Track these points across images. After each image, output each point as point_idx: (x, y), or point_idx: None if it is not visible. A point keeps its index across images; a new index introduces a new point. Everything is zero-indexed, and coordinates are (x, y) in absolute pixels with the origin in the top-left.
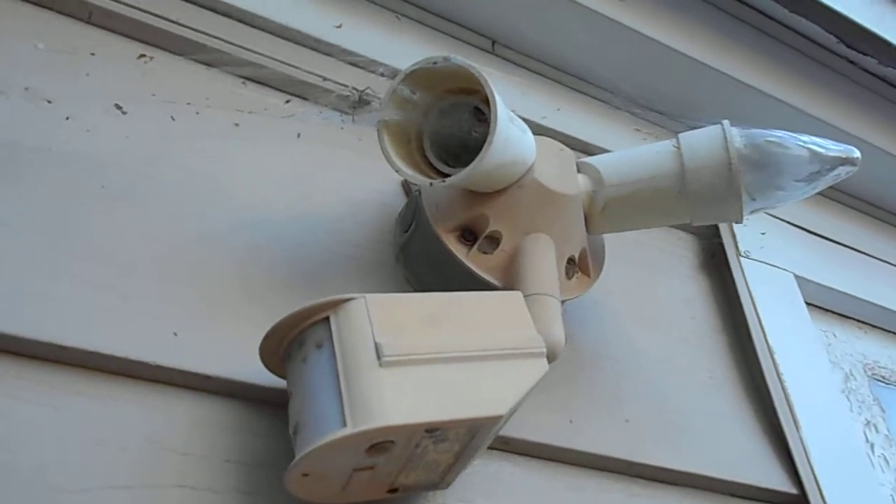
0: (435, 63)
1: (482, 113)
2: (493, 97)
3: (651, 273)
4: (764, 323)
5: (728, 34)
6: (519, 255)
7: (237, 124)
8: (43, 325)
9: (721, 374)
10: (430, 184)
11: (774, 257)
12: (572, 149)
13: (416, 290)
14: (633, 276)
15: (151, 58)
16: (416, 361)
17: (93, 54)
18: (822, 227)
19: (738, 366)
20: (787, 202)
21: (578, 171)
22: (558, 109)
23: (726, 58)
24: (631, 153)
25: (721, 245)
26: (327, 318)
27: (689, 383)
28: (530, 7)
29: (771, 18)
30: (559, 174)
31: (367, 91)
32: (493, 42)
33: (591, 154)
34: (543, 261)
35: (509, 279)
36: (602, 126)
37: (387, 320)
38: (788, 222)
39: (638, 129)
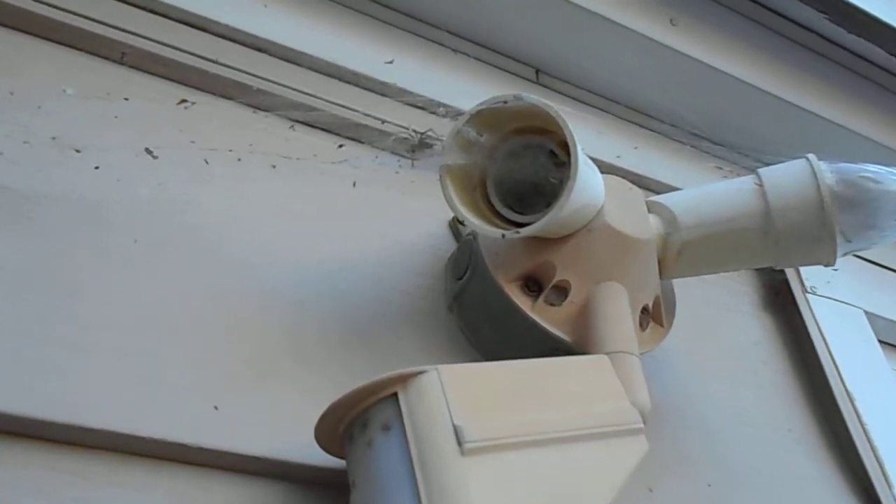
0: (505, 102)
1: (554, 154)
2: (573, 139)
3: (713, 313)
4: (839, 365)
5: (797, 63)
6: (591, 307)
7: (277, 168)
8: (68, 405)
9: (800, 425)
10: (503, 235)
11: (843, 293)
12: (641, 188)
13: (471, 342)
14: (695, 317)
15: (193, 103)
16: (502, 447)
17: (126, 99)
18: (891, 260)
19: (817, 416)
20: (883, 243)
21: (649, 211)
22: (636, 148)
23: (798, 89)
24: (706, 191)
25: (785, 282)
26: (395, 395)
27: (769, 438)
28: (576, 33)
29: (840, 46)
30: (631, 216)
31: (429, 133)
32: (537, 71)
33: (659, 192)
34: (619, 313)
35: (581, 334)
36: (673, 162)
37: (464, 397)
38: (856, 255)
39: (719, 167)
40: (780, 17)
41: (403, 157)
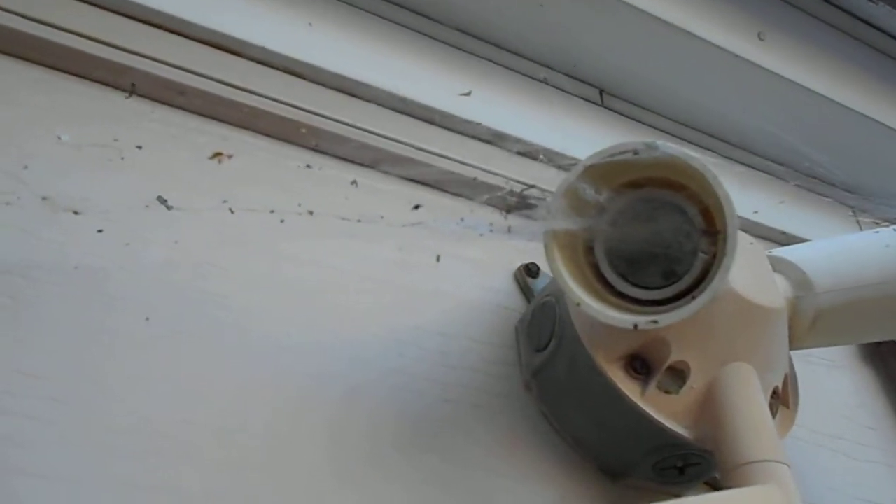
0: (636, 152)
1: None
2: (729, 203)
3: (809, 369)
4: None
5: None
6: (718, 397)
7: (330, 230)
8: None
9: None
10: (635, 326)
11: None
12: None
13: (556, 429)
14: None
15: (230, 156)
16: None
17: (139, 147)
18: None
19: None
20: None
21: (773, 270)
22: (781, 202)
23: None
24: (842, 245)
25: None
26: None
27: None
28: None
29: None
30: (758, 280)
31: (534, 189)
32: (601, 92)
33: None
34: (755, 406)
35: (706, 430)
36: (790, 206)
37: None
38: None
39: (850, 214)
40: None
41: (497, 218)
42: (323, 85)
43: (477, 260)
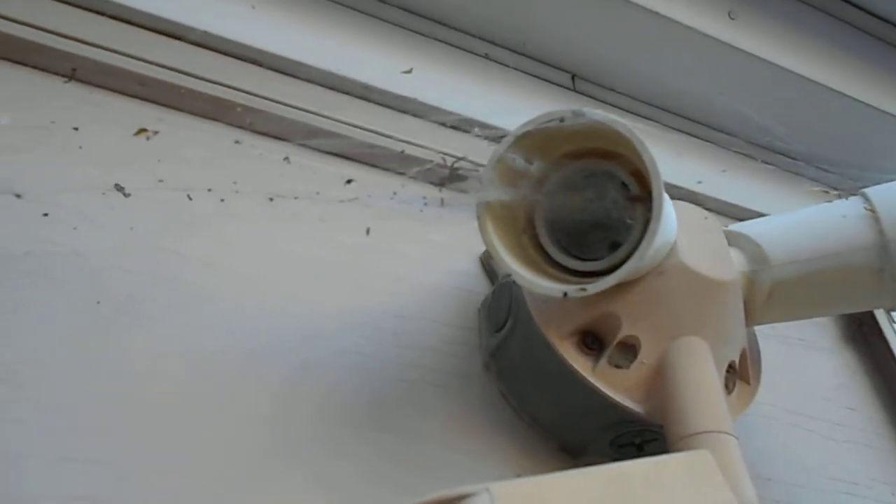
0: (562, 120)
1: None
2: (655, 167)
3: (791, 351)
4: None
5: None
6: (668, 370)
7: (269, 207)
8: None
9: None
10: (565, 294)
11: None
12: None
13: (514, 408)
14: (771, 357)
15: (156, 132)
16: None
17: (76, 129)
18: None
19: None
20: None
21: (729, 244)
22: (724, 171)
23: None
24: (800, 218)
25: (870, 312)
26: None
27: None
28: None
29: None
30: (710, 252)
31: (464, 161)
32: (573, 76)
33: (737, 220)
34: (705, 378)
35: (656, 403)
36: (751, 181)
37: None
38: None
39: (815, 189)
40: (860, 10)
41: (430, 191)
42: (261, 66)
43: (440, 243)
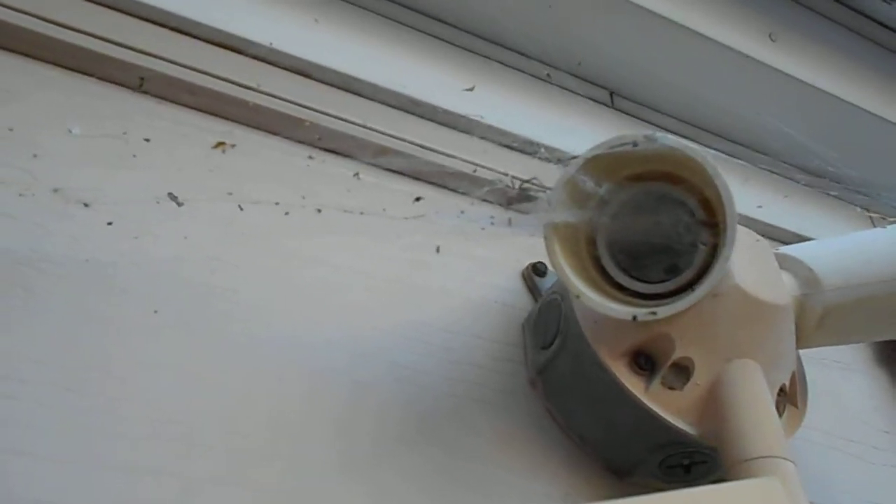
0: (635, 144)
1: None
2: (728, 194)
3: (824, 372)
4: None
5: None
6: (722, 393)
7: (334, 223)
8: None
9: None
10: (634, 318)
11: None
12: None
13: (561, 427)
14: (809, 378)
15: (233, 145)
16: None
17: (147, 140)
18: None
19: None
20: None
21: (780, 267)
22: (786, 196)
23: None
24: (850, 243)
25: None
26: None
27: None
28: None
29: None
30: (764, 277)
31: (533, 182)
32: (612, 93)
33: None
34: (760, 402)
35: (710, 426)
36: (801, 205)
37: None
38: None
39: (864, 211)
40: None
41: (497, 211)
42: (327, 83)
43: (483, 258)
